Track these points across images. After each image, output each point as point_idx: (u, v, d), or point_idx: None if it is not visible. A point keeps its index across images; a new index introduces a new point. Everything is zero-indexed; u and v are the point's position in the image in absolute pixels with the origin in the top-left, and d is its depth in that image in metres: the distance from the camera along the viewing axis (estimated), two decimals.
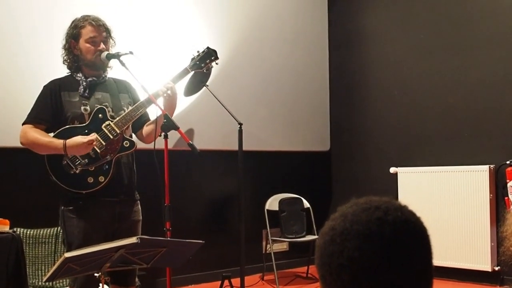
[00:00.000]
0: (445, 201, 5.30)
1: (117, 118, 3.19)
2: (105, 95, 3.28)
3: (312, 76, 6.50)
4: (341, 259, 1.08)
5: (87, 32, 3.25)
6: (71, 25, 3.31)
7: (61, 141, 3.08)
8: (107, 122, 3.18)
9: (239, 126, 4.68)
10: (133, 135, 3.44)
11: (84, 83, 3.24)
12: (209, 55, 3.51)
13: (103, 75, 3.33)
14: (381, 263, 1.06)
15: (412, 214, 1.14)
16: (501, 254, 2.15)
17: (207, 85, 4.87)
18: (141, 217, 3.36)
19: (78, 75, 3.27)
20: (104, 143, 3.16)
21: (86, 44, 3.24)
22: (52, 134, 3.18)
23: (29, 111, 3.24)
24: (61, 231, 3.29)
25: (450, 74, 5.52)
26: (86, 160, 3.14)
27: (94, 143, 3.11)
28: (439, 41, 5.62)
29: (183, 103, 5.18)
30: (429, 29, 5.71)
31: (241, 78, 5.81)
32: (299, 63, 6.34)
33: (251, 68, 5.92)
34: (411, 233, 1.10)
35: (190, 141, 3.09)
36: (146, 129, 3.41)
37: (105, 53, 3.25)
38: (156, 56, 4.97)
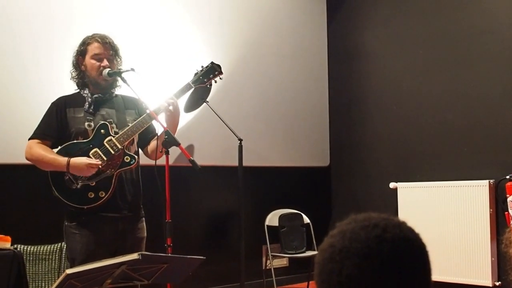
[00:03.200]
0: (445, 216, 5.30)
1: (119, 134, 3.22)
2: (111, 112, 3.32)
3: (312, 92, 6.52)
4: (340, 277, 1.08)
5: (93, 48, 3.30)
6: (80, 42, 3.36)
7: (66, 159, 3.12)
8: (109, 138, 3.21)
9: (239, 142, 4.70)
10: (140, 151, 3.46)
11: (90, 99, 3.28)
12: (213, 70, 3.54)
13: (110, 92, 3.36)
14: (380, 281, 1.06)
15: (411, 231, 1.14)
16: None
17: (207, 101, 4.89)
18: (145, 234, 3.37)
19: (85, 91, 3.32)
20: (105, 158, 3.18)
21: (91, 60, 3.29)
22: (55, 150, 3.22)
23: (35, 127, 3.29)
24: (64, 247, 3.30)
25: (449, 89, 5.54)
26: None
27: (96, 169, 3.13)
28: (437, 57, 5.65)
29: (184, 119, 5.20)
30: (427, 45, 5.74)
31: (240, 94, 5.83)
32: (298, 79, 6.36)
33: (251, 84, 5.94)
34: (410, 250, 1.11)
35: (191, 157, 3.11)
36: (151, 145, 3.43)
37: (107, 70, 3.28)
38: (157, 73, 5.00)
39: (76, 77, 3.35)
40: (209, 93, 4.90)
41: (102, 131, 3.23)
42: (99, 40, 3.31)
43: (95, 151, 3.18)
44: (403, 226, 1.14)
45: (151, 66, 4.96)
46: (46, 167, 3.19)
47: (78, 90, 3.37)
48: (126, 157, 3.26)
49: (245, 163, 4.73)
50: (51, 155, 3.16)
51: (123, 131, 3.23)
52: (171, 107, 3.30)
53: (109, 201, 3.18)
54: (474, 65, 5.37)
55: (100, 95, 3.31)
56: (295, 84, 6.33)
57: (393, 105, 6.03)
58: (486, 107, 5.27)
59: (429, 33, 5.74)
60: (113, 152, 3.20)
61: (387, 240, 1.09)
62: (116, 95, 3.41)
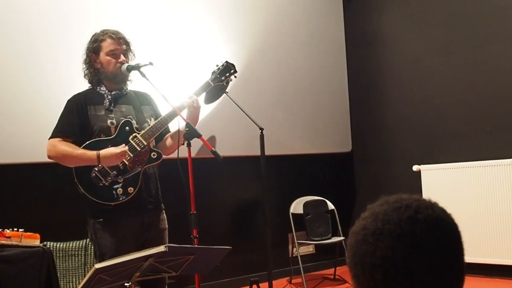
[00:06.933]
0: (470, 197, 5.27)
1: (144, 130, 3.25)
2: (129, 108, 3.34)
3: (331, 77, 6.50)
4: (374, 259, 1.09)
5: (107, 45, 3.30)
6: (91, 39, 3.36)
7: (95, 152, 3.14)
8: (134, 134, 3.23)
9: (260, 131, 4.70)
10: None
11: (109, 97, 3.29)
12: (228, 68, 3.62)
13: (125, 88, 3.39)
14: (414, 262, 1.07)
15: (443, 212, 1.15)
16: None
17: (227, 92, 4.90)
18: (167, 226, 3.41)
19: (102, 88, 3.32)
20: (132, 155, 3.21)
21: (107, 57, 3.30)
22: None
23: (55, 125, 3.29)
24: (90, 243, 3.34)
25: (469, 69, 5.50)
26: (114, 172, 3.19)
27: (126, 156, 3.17)
28: (456, 37, 5.60)
29: (204, 110, 5.21)
30: (445, 25, 5.69)
31: (260, 84, 5.83)
32: (316, 66, 6.34)
33: (269, 73, 5.94)
34: (442, 231, 1.11)
35: (213, 149, 3.13)
36: (168, 140, 3.46)
37: (126, 65, 3.30)
38: (173, 65, 5.01)
39: (90, 74, 3.35)
40: (228, 85, 4.91)
41: (127, 128, 3.25)
42: (113, 36, 3.32)
43: (124, 146, 3.21)
44: (435, 207, 1.14)
45: (167, 59, 4.97)
46: (73, 163, 3.19)
47: (92, 87, 3.37)
48: (153, 153, 3.30)
49: (267, 152, 4.73)
50: (79, 151, 3.17)
51: (148, 128, 3.26)
52: (194, 104, 3.34)
53: (135, 197, 3.21)
54: (494, 43, 5.31)
55: (117, 91, 3.34)
56: (314, 71, 6.31)
57: (413, 87, 5.99)
58: (507, 85, 5.21)
59: (446, 13, 5.69)
60: (139, 149, 3.23)
61: (419, 221, 1.09)
62: (129, 91, 3.43)
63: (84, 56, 3.37)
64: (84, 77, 3.38)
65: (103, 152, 3.14)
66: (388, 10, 6.27)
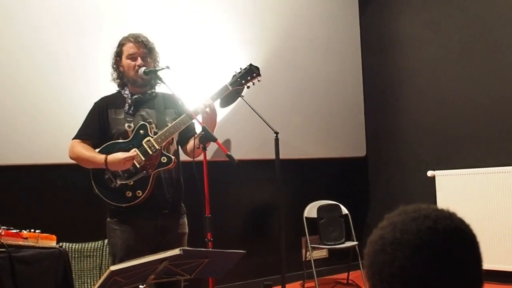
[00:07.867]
0: (485, 203, 5.24)
1: (157, 134, 3.27)
2: (151, 112, 3.37)
3: (346, 82, 6.50)
4: (393, 269, 1.09)
5: (127, 48, 3.36)
6: (118, 43, 3.43)
7: (103, 156, 3.19)
8: (147, 138, 3.26)
9: (275, 135, 4.71)
10: (180, 149, 3.51)
11: (130, 101, 3.34)
12: (251, 72, 3.55)
13: (150, 91, 3.41)
14: (433, 272, 1.07)
15: (461, 222, 1.15)
16: None
17: (243, 96, 4.91)
18: (187, 230, 3.42)
19: (126, 92, 3.38)
20: (143, 158, 3.23)
21: (127, 60, 3.36)
22: (97, 150, 3.28)
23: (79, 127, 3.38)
24: (105, 244, 3.38)
25: (485, 74, 5.47)
26: (126, 175, 3.22)
27: (134, 160, 3.19)
28: (472, 42, 5.58)
29: (219, 114, 5.22)
30: (462, 31, 5.66)
31: (275, 88, 5.83)
32: (332, 70, 6.35)
33: (285, 77, 5.95)
34: (461, 241, 1.11)
35: (228, 152, 3.13)
36: (190, 144, 3.47)
37: (143, 69, 3.32)
38: (192, 69, 5.04)
39: (116, 78, 3.43)
40: (244, 88, 4.92)
41: (141, 131, 3.28)
42: (132, 39, 3.37)
43: (134, 151, 3.24)
44: (453, 217, 1.14)
45: (186, 63, 5.01)
46: (86, 164, 3.29)
47: (119, 90, 3.44)
48: (163, 157, 3.29)
49: (282, 156, 4.74)
50: (89, 153, 3.25)
51: (161, 132, 3.27)
52: (207, 109, 3.33)
53: (147, 200, 3.24)
54: (511, 49, 5.28)
55: (139, 95, 3.37)
56: (329, 75, 6.31)
57: (429, 92, 5.96)
58: None
59: (463, 19, 5.67)
60: (150, 153, 3.24)
61: (439, 232, 1.10)
62: (157, 94, 3.45)
63: (112, 60, 3.45)
64: (112, 81, 3.46)
65: (110, 157, 3.18)
66: (404, 14, 6.26)
